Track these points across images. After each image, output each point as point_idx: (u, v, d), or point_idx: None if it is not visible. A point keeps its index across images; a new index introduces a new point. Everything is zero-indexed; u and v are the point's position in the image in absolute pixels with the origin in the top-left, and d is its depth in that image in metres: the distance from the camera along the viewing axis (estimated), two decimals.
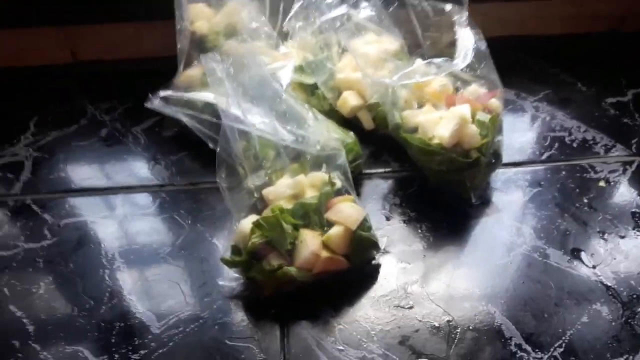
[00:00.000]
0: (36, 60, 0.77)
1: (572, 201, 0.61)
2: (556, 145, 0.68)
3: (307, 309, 0.51)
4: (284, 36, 0.70)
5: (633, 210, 0.60)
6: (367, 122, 0.67)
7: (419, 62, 0.62)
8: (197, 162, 0.66)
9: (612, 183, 0.63)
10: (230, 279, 0.53)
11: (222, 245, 0.56)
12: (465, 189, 0.60)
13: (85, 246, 0.56)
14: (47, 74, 0.77)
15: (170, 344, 0.48)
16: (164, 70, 0.66)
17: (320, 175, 0.54)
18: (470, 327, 0.50)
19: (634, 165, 0.65)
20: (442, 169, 0.58)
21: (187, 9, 0.67)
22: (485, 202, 0.61)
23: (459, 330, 0.49)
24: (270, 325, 0.50)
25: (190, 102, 0.64)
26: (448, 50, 0.64)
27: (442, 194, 0.61)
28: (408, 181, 0.63)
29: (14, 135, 0.69)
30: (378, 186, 0.63)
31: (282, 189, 0.53)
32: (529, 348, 0.48)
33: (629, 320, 0.50)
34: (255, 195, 0.54)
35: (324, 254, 0.50)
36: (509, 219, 0.59)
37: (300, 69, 0.68)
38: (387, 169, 0.65)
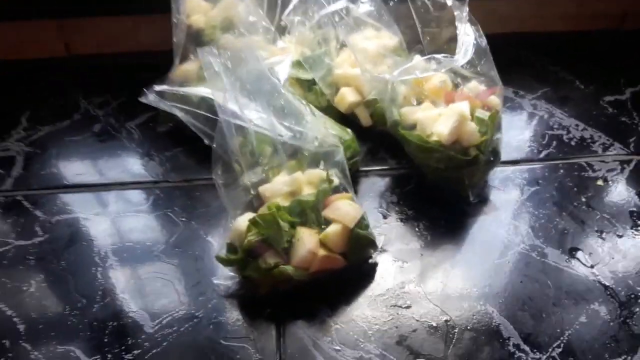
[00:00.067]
0: (30, 54, 0.75)
1: (570, 200, 0.61)
2: (554, 143, 0.68)
3: (303, 308, 0.50)
4: (282, 30, 0.69)
5: (631, 209, 0.60)
6: (365, 119, 0.67)
7: (418, 58, 0.62)
8: (192, 158, 0.65)
9: (610, 182, 0.63)
10: (225, 277, 0.52)
11: (217, 243, 0.55)
12: (463, 187, 0.59)
13: (77, 243, 0.55)
14: (41, 67, 0.76)
15: (164, 343, 0.48)
16: (160, 64, 0.65)
17: (318, 173, 0.54)
18: (468, 327, 0.49)
19: (632, 164, 0.65)
20: (440, 167, 0.58)
21: (183, 2, 0.66)
22: (483, 200, 0.60)
23: (456, 330, 0.49)
24: (266, 324, 0.49)
25: (185, 97, 0.62)
26: (447, 46, 0.64)
27: (439, 191, 0.60)
28: (405, 179, 0.63)
29: (5, 129, 0.68)
30: (375, 184, 0.62)
31: (279, 186, 0.52)
32: (527, 348, 0.48)
33: (627, 320, 0.50)
34: (252, 192, 0.53)
35: (321, 252, 0.49)
36: (506, 217, 0.59)
37: (297, 64, 0.67)
38: (384, 167, 0.64)
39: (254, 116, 0.53)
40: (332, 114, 0.65)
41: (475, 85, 0.61)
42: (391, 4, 0.68)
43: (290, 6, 0.68)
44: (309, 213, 0.51)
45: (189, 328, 0.49)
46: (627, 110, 0.72)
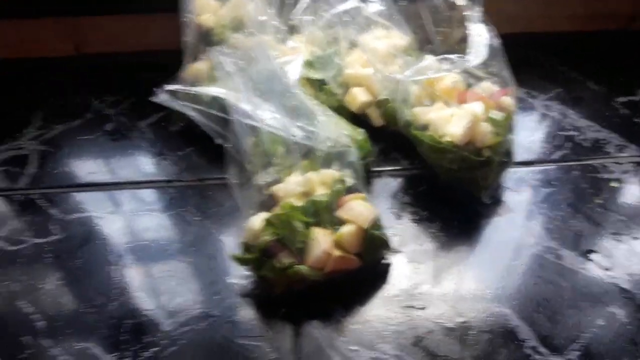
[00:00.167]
0: (41, 53, 0.76)
1: (584, 201, 0.60)
2: (568, 144, 0.67)
3: (318, 308, 0.50)
4: (292, 30, 0.69)
5: None
6: (376, 119, 0.66)
7: (429, 58, 0.61)
8: (204, 158, 0.65)
9: (625, 183, 0.63)
10: (239, 276, 0.52)
11: (230, 242, 0.55)
12: (476, 188, 0.59)
13: (92, 242, 0.56)
14: (52, 66, 0.76)
15: (181, 341, 0.48)
16: (169, 63, 0.65)
17: (331, 173, 0.53)
18: (484, 329, 0.49)
19: None
20: (454, 168, 0.58)
21: (192, 1, 0.66)
22: (496, 201, 0.60)
23: (472, 332, 0.49)
24: (281, 324, 0.49)
25: (197, 96, 0.62)
26: (459, 46, 0.64)
27: (453, 192, 0.60)
28: (418, 179, 0.62)
29: (18, 128, 0.68)
30: (388, 184, 0.62)
31: (292, 186, 0.52)
32: (544, 350, 0.47)
33: None
34: (265, 192, 0.53)
35: (336, 252, 0.49)
36: (520, 218, 0.59)
37: (308, 64, 0.67)
38: (396, 167, 0.64)
39: (267, 116, 0.53)
40: (343, 114, 0.65)
41: (488, 86, 0.61)
42: (402, 3, 0.68)
43: (300, 5, 0.68)
44: (322, 213, 0.51)
45: (205, 326, 0.49)
46: None
